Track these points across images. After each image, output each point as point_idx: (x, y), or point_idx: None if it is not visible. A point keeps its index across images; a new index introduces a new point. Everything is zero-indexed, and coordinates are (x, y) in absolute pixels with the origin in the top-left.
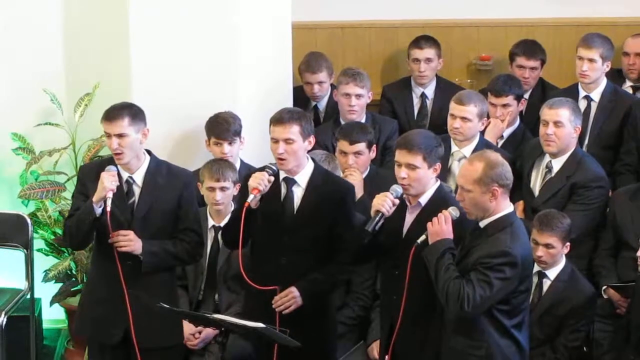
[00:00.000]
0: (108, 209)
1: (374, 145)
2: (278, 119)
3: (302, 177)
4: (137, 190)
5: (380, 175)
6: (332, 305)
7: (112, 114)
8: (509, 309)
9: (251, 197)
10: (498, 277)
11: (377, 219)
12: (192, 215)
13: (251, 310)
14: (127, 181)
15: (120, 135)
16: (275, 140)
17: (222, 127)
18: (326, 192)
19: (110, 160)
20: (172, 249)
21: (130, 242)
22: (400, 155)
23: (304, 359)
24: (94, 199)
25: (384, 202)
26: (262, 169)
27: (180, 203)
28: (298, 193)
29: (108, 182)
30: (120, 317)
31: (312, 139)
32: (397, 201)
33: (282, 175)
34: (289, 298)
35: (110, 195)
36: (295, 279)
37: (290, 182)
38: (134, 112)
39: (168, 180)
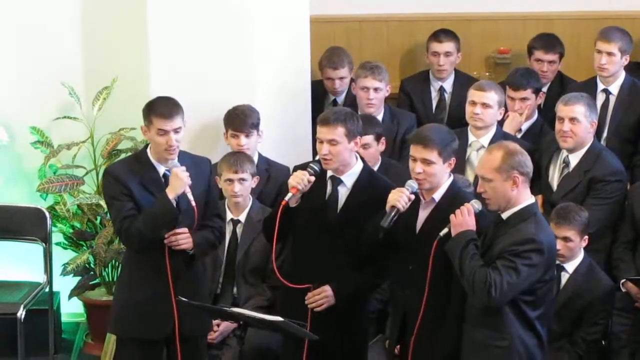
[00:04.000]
0: (193, 203)
1: (383, 138)
2: (323, 120)
3: (349, 178)
4: None
5: (394, 167)
6: (365, 305)
7: (172, 110)
8: (534, 299)
9: (289, 195)
10: (525, 263)
11: (393, 214)
12: (217, 201)
13: (285, 306)
14: (163, 175)
15: (176, 131)
16: (320, 141)
17: (239, 119)
18: (371, 194)
19: (140, 156)
20: (210, 237)
21: (189, 239)
22: (415, 151)
23: (332, 356)
24: (170, 194)
25: (400, 198)
26: (304, 167)
27: (209, 189)
28: (343, 193)
29: (185, 176)
30: (168, 312)
31: (358, 140)
32: (412, 197)
33: (329, 173)
34: (321, 296)
35: (188, 190)
36: (331, 278)
37: (336, 181)
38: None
39: (195, 170)
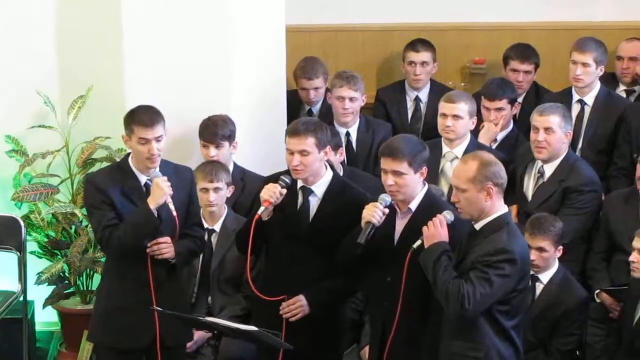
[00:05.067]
0: (174, 213)
1: (341, 148)
2: (293, 131)
3: (319, 187)
4: None
5: (358, 177)
6: (340, 315)
7: (153, 118)
8: (508, 309)
9: (262, 208)
10: (497, 274)
11: (369, 230)
12: (198, 210)
13: (259, 316)
14: (145, 184)
15: (157, 139)
16: (290, 152)
17: (209, 130)
18: (342, 203)
19: (122, 165)
20: (192, 246)
21: (171, 248)
22: (385, 163)
23: None
24: (152, 204)
25: (374, 213)
26: (275, 180)
27: (190, 199)
28: (314, 203)
29: (166, 186)
30: (149, 321)
31: (328, 149)
32: (386, 210)
33: (300, 184)
34: (296, 306)
35: (170, 200)
36: (305, 287)
37: (307, 191)
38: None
39: (178, 179)
